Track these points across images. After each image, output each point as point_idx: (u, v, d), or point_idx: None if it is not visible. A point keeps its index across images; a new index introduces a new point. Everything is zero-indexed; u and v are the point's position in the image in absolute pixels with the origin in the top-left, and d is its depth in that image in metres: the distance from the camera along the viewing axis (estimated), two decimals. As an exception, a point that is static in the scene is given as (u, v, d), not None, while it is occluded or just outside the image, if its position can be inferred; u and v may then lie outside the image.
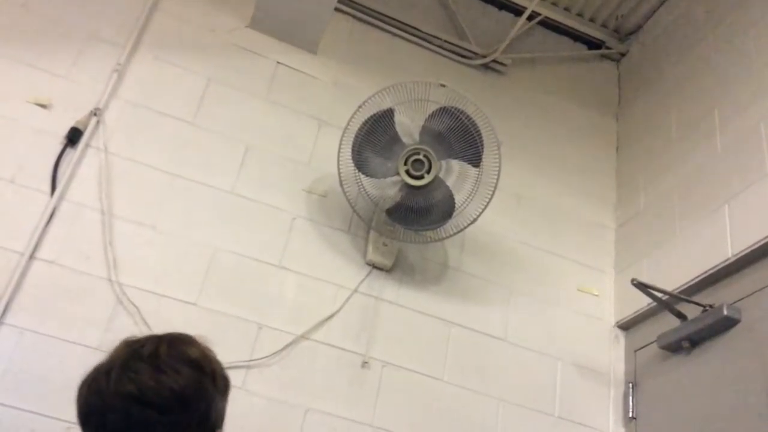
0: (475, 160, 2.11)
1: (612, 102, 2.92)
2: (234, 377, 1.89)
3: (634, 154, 2.67)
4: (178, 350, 1.02)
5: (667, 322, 2.09)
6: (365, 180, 2.18)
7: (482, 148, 2.08)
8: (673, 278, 2.13)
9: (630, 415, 2.17)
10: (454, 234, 2.17)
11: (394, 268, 2.25)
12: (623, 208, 2.60)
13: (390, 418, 2.04)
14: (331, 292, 2.15)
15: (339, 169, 2.14)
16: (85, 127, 2.07)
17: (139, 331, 1.88)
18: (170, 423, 0.96)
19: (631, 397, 2.19)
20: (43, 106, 2.07)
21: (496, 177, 2.09)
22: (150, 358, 0.99)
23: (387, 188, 2.19)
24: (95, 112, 2.10)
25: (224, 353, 1.91)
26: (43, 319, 1.84)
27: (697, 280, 2.05)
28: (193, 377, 1.00)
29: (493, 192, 2.10)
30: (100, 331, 1.87)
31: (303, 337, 2.06)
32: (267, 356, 1.99)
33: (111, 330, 1.88)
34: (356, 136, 2.12)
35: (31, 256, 1.88)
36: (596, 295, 2.44)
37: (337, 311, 2.13)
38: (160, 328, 1.88)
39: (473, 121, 2.08)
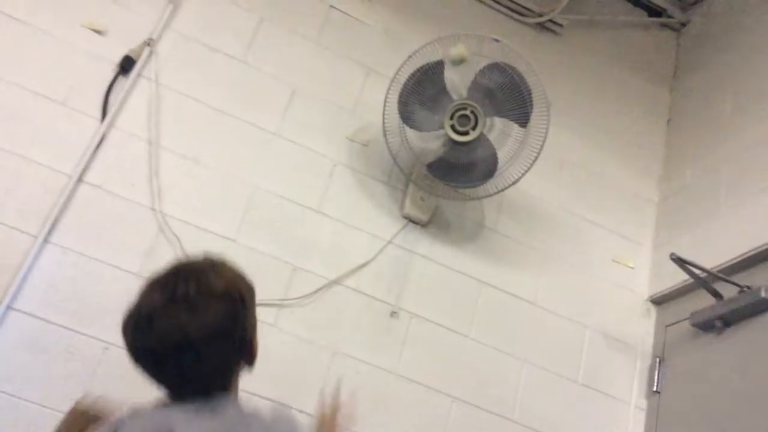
0: (523, 120, 2.08)
1: (667, 73, 2.83)
2: (266, 315, 1.98)
3: (685, 127, 2.60)
4: (205, 286, 1.10)
5: (702, 300, 2.07)
6: (409, 132, 2.16)
7: (531, 109, 2.04)
8: (712, 256, 2.09)
9: (654, 389, 2.17)
10: (494, 194, 2.16)
11: (429, 223, 2.25)
12: (668, 181, 2.55)
13: (414, 368, 2.07)
14: (366, 241, 2.17)
15: (384, 118, 2.13)
16: (138, 57, 2.09)
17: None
18: (215, 352, 1.09)
19: (657, 372, 2.19)
20: (98, 32, 2.09)
21: (542, 139, 2.06)
22: (183, 301, 1.07)
23: (430, 142, 2.18)
24: (149, 42, 2.11)
25: (258, 291, 1.97)
26: (87, 241, 1.89)
27: (736, 260, 2.02)
28: (225, 309, 1.10)
29: (538, 154, 2.08)
30: (140, 258, 1.92)
31: (335, 282, 2.08)
32: (299, 297, 2.03)
33: (151, 257, 1.92)
34: (404, 87, 2.11)
35: (79, 179, 1.93)
36: (631, 268, 2.41)
37: (371, 260, 2.14)
38: (198, 260, 1.95)
39: (524, 80, 2.04)
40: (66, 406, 1.70)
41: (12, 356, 1.75)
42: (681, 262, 2.02)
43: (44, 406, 1.72)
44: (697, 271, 2.04)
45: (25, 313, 1.78)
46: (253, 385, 1.87)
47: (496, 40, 2.07)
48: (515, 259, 2.32)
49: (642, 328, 2.32)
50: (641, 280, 2.41)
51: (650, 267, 2.42)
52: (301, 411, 1.90)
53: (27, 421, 1.71)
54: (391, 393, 2.02)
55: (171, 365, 1.08)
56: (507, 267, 2.29)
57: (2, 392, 1.72)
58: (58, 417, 1.68)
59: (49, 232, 1.86)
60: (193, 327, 1.06)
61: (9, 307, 1.77)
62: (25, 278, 1.80)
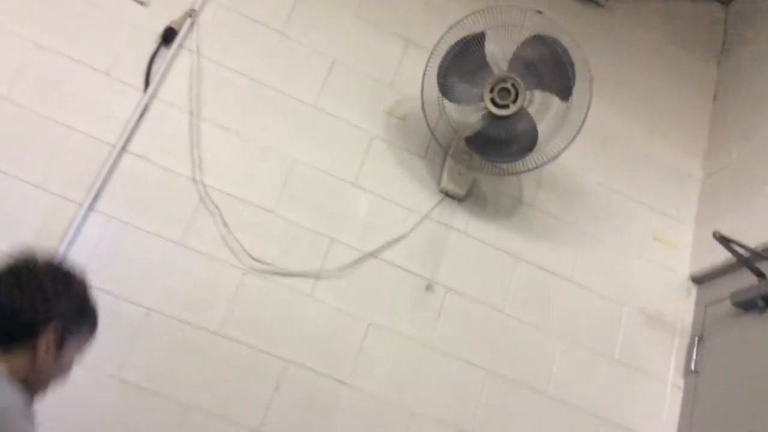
0: (565, 94, 2.04)
1: (715, 47, 2.76)
2: (303, 285, 2.00)
3: (731, 103, 2.54)
4: (52, 265, 1.29)
5: (744, 280, 2.03)
6: (448, 105, 2.15)
7: (573, 82, 2.01)
8: (755, 235, 2.05)
9: (692, 368, 2.15)
10: (533, 169, 2.13)
11: (466, 197, 2.25)
12: (713, 158, 2.49)
13: (448, 341, 2.08)
14: (402, 215, 2.17)
15: (422, 91, 2.12)
16: (180, 27, 2.10)
17: (218, 232, 1.97)
18: (12, 288, 1.22)
19: (695, 351, 2.16)
20: (141, 2, 2.11)
21: (584, 114, 2.03)
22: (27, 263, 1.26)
23: (469, 115, 2.16)
24: (190, 14, 2.13)
25: (295, 262, 2.01)
26: (130, 210, 1.93)
27: (782, 239, 1.98)
28: (45, 273, 1.26)
29: (579, 129, 2.04)
30: (182, 227, 1.95)
31: (371, 255, 2.09)
32: (336, 269, 2.05)
33: (192, 227, 1.96)
34: (443, 59, 2.08)
35: (123, 149, 1.96)
36: (672, 245, 2.38)
37: (407, 234, 2.15)
38: (239, 230, 1.98)
39: (567, 53, 2.00)
40: (110, 370, 1.77)
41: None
42: (723, 240, 1.99)
43: (88, 372, 1.77)
44: (739, 250, 2.01)
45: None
46: (290, 353, 1.93)
47: (539, 12, 2.04)
48: (553, 235, 2.30)
49: (681, 307, 2.29)
50: (682, 258, 2.37)
51: (692, 245, 2.38)
52: (337, 380, 1.93)
53: (74, 385, 1.75)
54: (426, 365, 2.04)
55: None
56: (544, 243, 2.28)
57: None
58: (102, 382, 1.76)
59: (94, 201, 1.90)
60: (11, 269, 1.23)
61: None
62: (70, 245, 1.85)
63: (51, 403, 1.37)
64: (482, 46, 2.07)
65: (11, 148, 1.89)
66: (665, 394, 2.17)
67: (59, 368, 1.28)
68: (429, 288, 2.11)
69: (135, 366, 1.80)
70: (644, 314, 2.27)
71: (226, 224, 1.98)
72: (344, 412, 1.93)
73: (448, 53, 2.08)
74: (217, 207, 1.99)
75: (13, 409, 1.12)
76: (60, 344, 1.24)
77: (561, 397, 2.10)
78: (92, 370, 1.75)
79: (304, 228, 2.07)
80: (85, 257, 1.85)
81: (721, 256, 2.11)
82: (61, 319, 1.24)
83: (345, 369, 1.97)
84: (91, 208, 1.89)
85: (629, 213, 2.39)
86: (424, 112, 2.13)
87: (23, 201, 1.86)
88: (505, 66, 2.08)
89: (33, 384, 1.23)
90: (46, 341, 1.21)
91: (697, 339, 2.18)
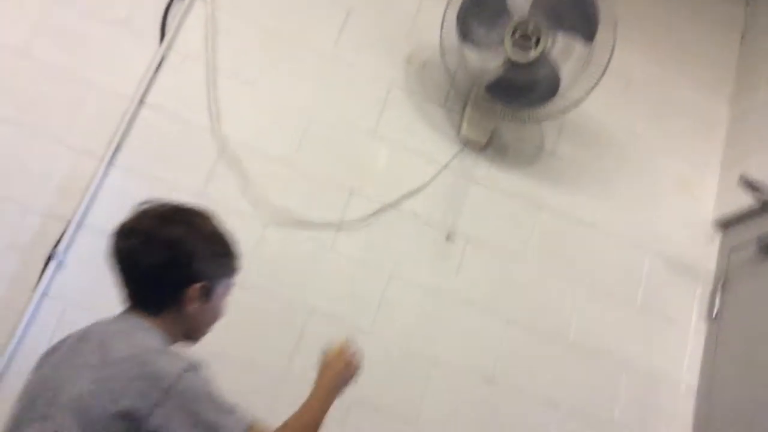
0: (587, 37, 1.99)
1: (742, -15, 2.66)
2: (324, 237, 2.01)
3: (760, 44, 2.45)
4: (185, 211, 1.25)
5: (769, 225, 2.00)
6: (467, 51, 2.10)
7: (596, 24, 1.96)
8: (782, 180, 2.01)
9: (715, 313, 2.14)
10: (555, 115, 2.10)
11: (487, 146, 2.22)
12: (740, 100, 2.42)
13: (469, 291, 2.08)
14: (422, 165, 2.16)
15: (441, 38, 2.07)
16: (193, -23, 2.07)
17: (238, 183, 1.97)
18: (155, 257, 1.19)
19: (718, 296, 2.15)
20: (153, -47, 2.08)
21: (607, 57, 1.98)
22: (139, 234, 1.21)
23: (489, 61, 2.11)
24: (204, -37, 2.10)
25: (316, 213, 2.02)
26: (150, 163, 1.94)
27: (809, 183, 1.94)
28: (185, 231, 1.21)
29: (603, 73, 2.00)
30: (203, 179, 1.96)
31: (391, 206, 2.09)
32: (356, 220, 2.05)
33: (213, 179, 1.97)
34: (462, 3, 2.03)
35: (141, 102, 1.96)
36: (697, 190, 2.34)
37: (426, 184, 2.14)
38: (258, 181, 1.99)
39: (591, -6, 1.95)
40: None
41: (85, 272, 1.83)
42: (749, 184, 1.95)
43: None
44: (765, 194, 1.97)
45: (94, 231, 1.86)
46: (312, 303, 1.95)
47: (561, -48, 1.97)
48: (575, 183, 2.27)
49: (705, 252, 2.27)
50: (706, 203, 2.33)
51: (716, 189, 2.34)
52: (357, 329, 1.95)
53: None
54: (447, 315, 2.05)
55: (120, 256, 1.22)
56: (566, 191, 2.25)
57: (78, 307, 1.81)
58: None
59: (114, 155, 1.91)
60: (137, 261, 1.20)
61: (80, 225, 1.85)
62: (93, 199, 1.87)
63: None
64: (503, -11, 2.01)
65: (32, 104, 1.90)
66: (687, 339, 2.16)
67: (211, 316, 1.29)
68: (449, 238, 2.11)
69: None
70: (667, 260, 2.25)
71: (246, 176, 1.98)
72: (367, 361, 1.94)
73: (467, -3, 2.03)
74: (236, 159, 1.99)
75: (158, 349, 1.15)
76: (207, 297, 1.24)
77: (583, 343, 2.11)
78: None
79: (324, 179, 2.06)
80: (108, 211, 1.87)
81: (746, 200, 2.08)
82: (204, 277, 1.23)
83: (367, 318, 1.99)
84: (111, 162, 1.91)
85: (653, 158, 2.35)
86: (443, 59, 2.09)
87: (45, 156, 1.88)
88: (526, 9, 2.03)
89: (189, 335, 1.27)
90: (193, 301, 1.22)
91: (720, 284, 2.16)
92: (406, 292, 2.04)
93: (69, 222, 1.83)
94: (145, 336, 1.16)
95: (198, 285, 1.21)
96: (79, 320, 1.76)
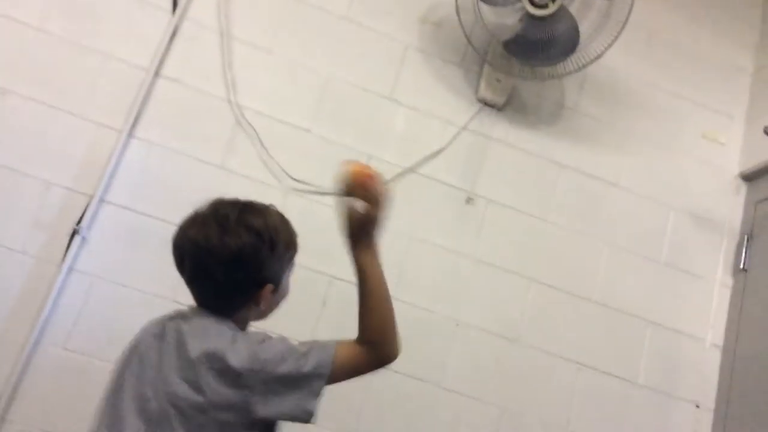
0: (607, -12, 1.94)
1: (768, -70, 2.56)
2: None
3: (786, -9, 2.38)
4: (245, 218, 1.19)
5: (797, 176, 1.97)
6: (483, 8, 2.05)
7: (617, -25, 1.90)
8: (811, 130, 1.97)
9: (741, 266, 2.12)
10: (575, 71, 2.06)
11: (506, 105, 2.19)
12: (765, 51, 2.36)
13: (491, 252, 2.07)
14: (440, 128, 2.13)
15: (457, -5, 2.03)
16: (204, -56, 2.04)
17: (257, 153, 1.97)
18: (226, 272, 1.17)
19: (744, 249, 2.13)
20: None
21: (628, 9, 1.92)
22: (221, 220, 1.18)
23: (506, 17, 2.07)
24: (213, -72, 2.06)
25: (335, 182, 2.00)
26: (169, 135, 1.94)
27: (837, 133, 1.89)
28: (251, 242, 1.17)
29: (623, 26, 1.95)
30: (221, 150, 1.96)
31: (410, 170, 2.08)
32: (376, 185, 2.04)
33: (231, 149, 1.96)
34: (478, -41, 1.98)
35: (156, 73, 1.95)
36: (722, 143, 2.30)
37: (445, 147, 2.12)
38: (277, 151, 1.98)
39: (610, -56, 1.88)
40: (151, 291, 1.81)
41: (109, 246, 1.86)
42: (777, 135, 1.91)
43: (145, 292, 1.83)
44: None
45: (116, 205, 1.87)
46: (335, 270, 1.96)
47: None
48: (597, 139, 2.24)
49: (730, 206, 2.24)
50: (732, 155, 2.29)
51: (742, 142, 2.30)
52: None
53: (129, 308, 1.82)
54: (469, 276, 2.05)
55: (188, 268, 1.20)
56: (588, 148, 2.22)
57: (104, 280, 1.83)
58: (158, 303, 1.81)
59: (133, 127, 1.91)
60: (217, 246, 1.16)
61: (102, 200, 1.86)
62: (113, 174, 1.88)
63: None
64: (518, -58, 1.95)
65: (48, 79, 1.90)
66: (713, 294, 2.15)
67: (280, 299, 1.28)
68: (470, 200, 2.10)
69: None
70: (692, 215, 2.22)
71: (263, 145, 1.98)
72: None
73: (482, -48, 1.98)
74: (253, 128, 1.98)
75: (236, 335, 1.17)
76: (277, 290, 1.24)
77: (607, 301, 2.10)
78: (149, 291, 1.82)
79: (342, 146, 2.05)
80: (129, 184, 1.88)
81: (772, 152, 2.04)
82: (276, 278, 1.22)
83: (389, 282, 1.99)
84: (131, 135, 1.91)
85: (676, 112, 2.31)
86: (458, 16, 2.05)
87: (65, 131, 1.88)
88: (543, -38, 1.97)
89: (260, 318, 1.27)
90: (265, 299, 1.22)
91: (746, 237, 2.14)
92: (427, 256, 2.03)
93: (91, 197, 1.84)
94: (218, 331, 1.17)
95: (269, 286, 1.21)
96: (106, 294, 1.82)
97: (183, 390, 1.11)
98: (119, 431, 1.12)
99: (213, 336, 1.15)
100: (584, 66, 2.03)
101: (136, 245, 1.86)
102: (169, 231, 1.89)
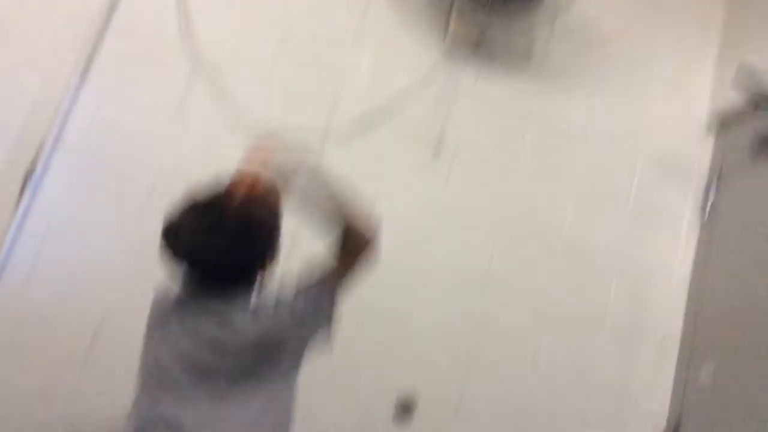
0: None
1: None
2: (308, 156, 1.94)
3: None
4: (239, 218, 1.25)
5: (766, 122, 1.94)
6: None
7: None
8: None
9: (707, 213, 2.12)
10: (545, 16, 2.00)
11: (475, 48, 2.12)
12: (737, -8, 2.32)
13: (458, 200, 2.05)
14: (407, 72, 2.07)
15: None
16: None
17: (214, 101, 1.89)
18: (236, 273, 1.28)
19: (712, 194, 2.12)
20: None
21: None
22: (219, 230, 1.24)
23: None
24: None
25: (297, 129, 1.94)
26: (122, 82, 1.87)
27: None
28: (248, 251, 1.27)
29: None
30: (178, 96, 1.89)
31: (377, 114, 2.02)
32: (339, 135, 1.98)
33: (189, 95, 1.90)
34: None
35: (109, 15, 1.87)
36: (691, 88, 2.27)
37: (412, 91, 2.05)
38: (236, 97, 1.90)
39: None
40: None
41: (62, 191, 1.80)
42: (747, 77, 1.88)
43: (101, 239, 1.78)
44: (761, 89, 1.90)
45: (68, 152, 1.81)
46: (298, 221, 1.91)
47: None
48: (567, 84, 2.20)
49: (699, 152, 2.22)
50: (701, 101, 2.26)
51: (711, 87, 2.27)
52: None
53: (86, 257, 1.78)
54: (435, 225, 2.02)
55: (195, 274, 1.27)
56: (558, 93, 2.18)
57: (57, 226, 1.77)
58: (114, 250, 1.78)
59: (84, 74, 1.83)
60: (220, 264, 1.25)
61: (53, 149, 1.80)
62: (64, 123, 1.81)
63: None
64: None
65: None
66: (680, 238, 2.16)
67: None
68: (438, 148, 2.06)
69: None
70: (660, 160, 2.21)
71: (222, 92, 1.91)
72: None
73: None
74: (211, 73, 1.90)
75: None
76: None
77: (573, 248, 2.10)
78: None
79: (307, 89, 1.99)
80: (80, 134, 1.82)
81: (741, 97, 2.01)
82: (275, 249, 1.32)
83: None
84: (82, 82, 1.83)
85: (647, 55, 2.27)
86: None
87: (13, 81, 1.81)
88: None
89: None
90: (268, 270, 1.32)
91: (714, 183, 2.13)
92: (395, 201, 1.99)
93: (42, 143, 1.78)
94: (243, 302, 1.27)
95: (273, 259, 1.32)
96: (61, 243, 1.76)
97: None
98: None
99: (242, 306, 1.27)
100: (554, 11, 1.97)
101: (90, 191, 1.81)
102: (123, 186, 1.84)
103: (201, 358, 1.22)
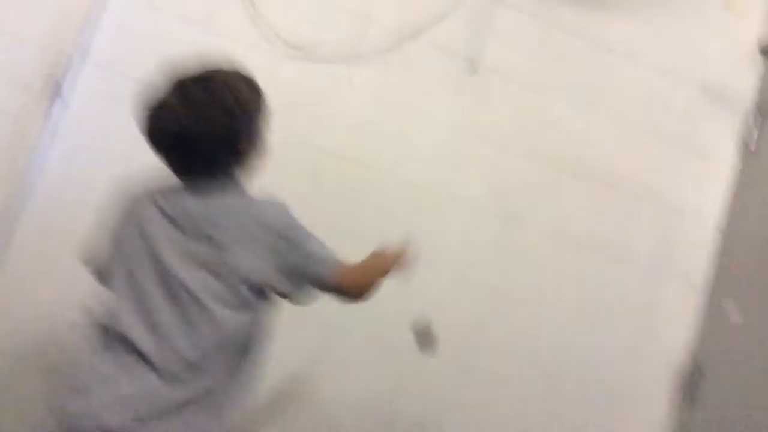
0: None
1: None
2: (338, 70, 1.89)
3: None
4: (216, 96, 1.23)
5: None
6: None
7: None
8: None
9: (751, 147, 2.05)
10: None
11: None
12: None
13: (491, 127, 2.00)
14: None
15: None
16: None
17: (243, 14, 1.85)
18: (208, 152, 1.25)
19: (757, 128, 2.05)
20: None
21: None
22: (192, 104, 1.21)
23: None
24: None
25: (330, 46, 1.88)
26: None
27: None
28: (227, 122, 1.24)
29: None
30: (206, 7, 1.84)
31: (411, 36, 1.95)
32: (372, 52, 1.93)
33: (218, 7, 1.84)
34: None
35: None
36: (743, 12, 2.16)
37: (449, 13, 1.97)
38: (267, 11, 1.84)
39: None
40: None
41: (90, 108, 1.78)
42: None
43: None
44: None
45: (97, 66, 1.78)
46: (328, 144, 1.89)
47: None
48: (611, 3, 2.09)
49: (746, 81, 2.14)
50: (753, 27, 2.16)
51: (766, 12, 2.15)
52: (374, 168, 1.90)
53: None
54: (467, 150, 1.98)
55: (171, 155, 1.25)
56: (601, 13, 2.08)
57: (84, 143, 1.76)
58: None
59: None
60: (194, 129, 1.21)
61: (82, 61, 1.77)
62: (93, 32, 1.77)
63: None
64: None
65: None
66: (719, 173, 2.10)
67: (263, 151, 1.35)
68: (473, 70, 1.99)
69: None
70: (704, 89, 2.13)
71: (252, 4, 1.84)
72: (386, 200, 1.92)
73: None
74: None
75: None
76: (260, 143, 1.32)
77: (609, 182, 2.05)
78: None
79: (338, 9, 1.92)
80: (108, 44, 1.78)
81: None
82: (257, 132, 1.30)
83: (386, 158, 1.93)
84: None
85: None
86: None
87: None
88: None
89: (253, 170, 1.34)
90: (249, 154, 1.30)
91: (759, 117, 2.04)
92: (426, 127, 1.96)
93: (70, 57, 1.75)
94: (234, 194, 1.27)
95: (254, 140, 1.30)
96: (89, 160, 1.76)
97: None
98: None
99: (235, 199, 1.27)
100: None
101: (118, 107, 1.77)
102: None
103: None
